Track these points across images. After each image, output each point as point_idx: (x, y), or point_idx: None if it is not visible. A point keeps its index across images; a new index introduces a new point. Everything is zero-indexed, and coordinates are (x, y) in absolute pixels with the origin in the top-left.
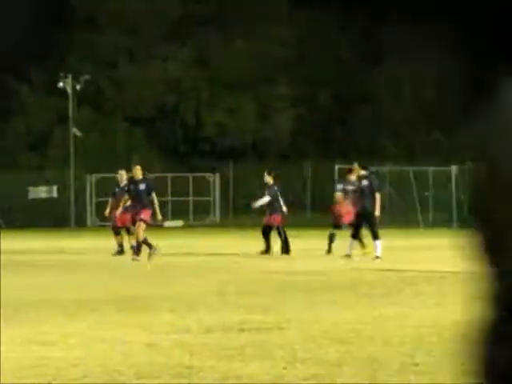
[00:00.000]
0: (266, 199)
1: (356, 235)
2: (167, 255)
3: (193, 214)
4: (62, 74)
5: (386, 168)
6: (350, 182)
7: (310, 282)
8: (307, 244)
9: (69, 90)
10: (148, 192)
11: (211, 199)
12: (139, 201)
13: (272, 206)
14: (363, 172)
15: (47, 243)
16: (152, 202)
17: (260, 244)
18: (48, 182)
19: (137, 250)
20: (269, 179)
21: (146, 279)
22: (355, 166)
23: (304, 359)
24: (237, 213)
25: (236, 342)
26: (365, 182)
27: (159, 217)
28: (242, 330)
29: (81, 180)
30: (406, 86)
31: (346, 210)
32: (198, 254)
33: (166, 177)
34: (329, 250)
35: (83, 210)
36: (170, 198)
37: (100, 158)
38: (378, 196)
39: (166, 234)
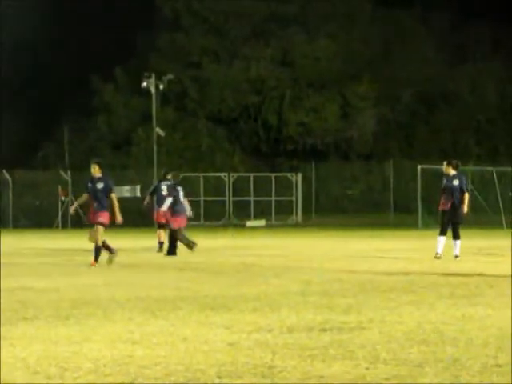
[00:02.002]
0: (169, 201)
1: (443, 233)
2: (250, 255)
3: (275, 213)
4: (145, 74)
5: (469, 168)
6: None
7: (392, 282)
8: (389, 244)
9: (152, 89)
10: (106, 191)
11: (293, 199)
12: (97, 201)
13: (173, 208)
14: (453, 172)
15: (131, 242)
16: (111, 203)
17: (341, 245)
18: (131, 182)
19: (96, 255)
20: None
21: (228, 279)
22: None
23: (386, 359)
24: (319, 213)
25: (318, 342)
26: (455, 182)
27: (119, 218)
28: (324, 329)
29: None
30: (489, 86)
31: None
32: (280, 253)
33: (249, 176)
34: None
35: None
36: (252, 197)
37: (183, 158)
38: (466, 195)
39: (249, 233)
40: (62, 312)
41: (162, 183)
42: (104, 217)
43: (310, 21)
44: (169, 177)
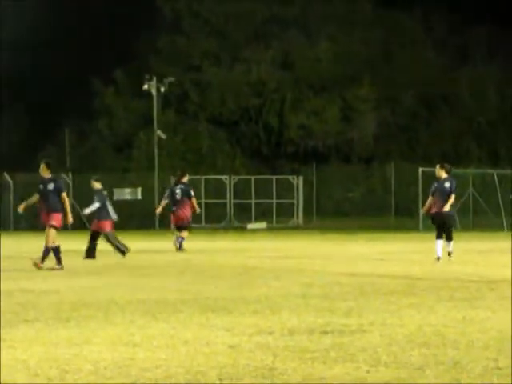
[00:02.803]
0: (95, 205)
1: (440, 236)
2: (250, 257)
3: (276, 216)
4: (146, 77)
5: (470, 170)
6: None
7: (393, 285)
8: (390, 247)
9: (153, 92)
10: (58, 193)
11: (295, 202)
12: (48, 203)
13: (100, 212)
14: (445, 175)
15: (131, 244)
16: (63, 204)
17: (342, 247)
18: (132, 184)
19: (43, 256)
20: (96, 185)
21: (229, 281)
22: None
23: (387, 362)
24: (320, 215)
25: (319, 345)
26: (447, 184)
27: (70, 219)
28: (325, 332)
29: (165, 182)
30: (490, 88)
31: None
32: (281, 256)
33: (250, 179)
34: None
35: (167, 211)
36: (253, 200)
37: (184, 160)
38: (452, 196)
39: (250, 235)
40: (63, 314)
41: (177, 187)
42: (56, 219)
43: (311, 23)
44: (184, 180)
